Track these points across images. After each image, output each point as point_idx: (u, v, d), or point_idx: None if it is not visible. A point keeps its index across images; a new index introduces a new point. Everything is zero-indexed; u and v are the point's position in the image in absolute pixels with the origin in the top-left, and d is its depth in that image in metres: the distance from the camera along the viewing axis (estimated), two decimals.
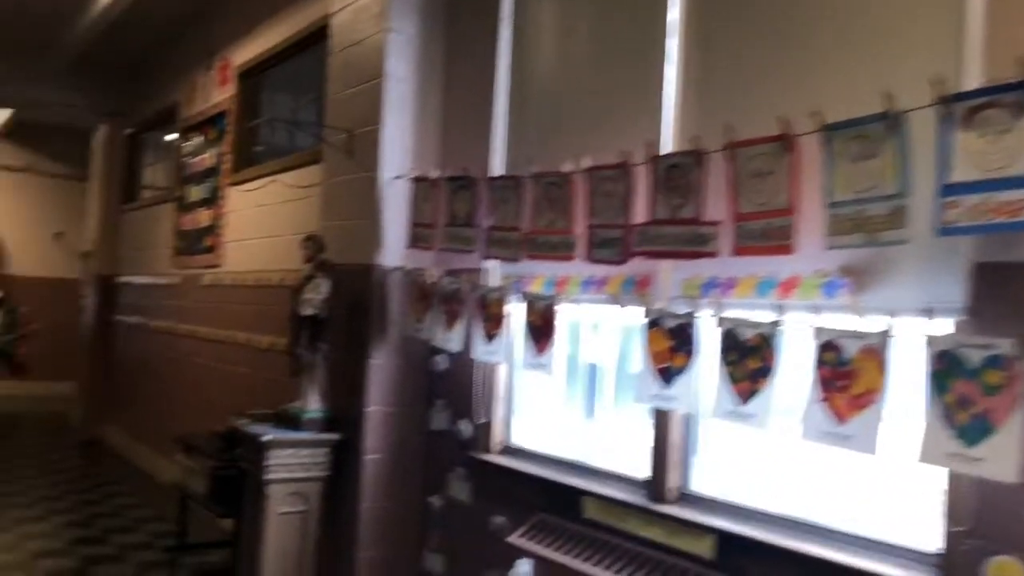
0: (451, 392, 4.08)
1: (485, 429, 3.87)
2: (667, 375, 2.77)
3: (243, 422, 4.78)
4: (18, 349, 12.76)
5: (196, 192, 7.12)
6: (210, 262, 6.69)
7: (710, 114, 2.96)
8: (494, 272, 3.79)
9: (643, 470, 3.13)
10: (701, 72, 3.05)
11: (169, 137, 8.27)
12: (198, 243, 6.97)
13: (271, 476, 4.08)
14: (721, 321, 2.63)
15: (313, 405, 4.26)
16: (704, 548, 2.78)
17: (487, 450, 3.84)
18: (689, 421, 3.04)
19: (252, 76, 6.45)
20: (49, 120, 12.02)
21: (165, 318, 7.65)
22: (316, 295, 4.25)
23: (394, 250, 4.20)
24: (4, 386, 12.54)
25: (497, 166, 3.86)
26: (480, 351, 3.61)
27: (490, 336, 3.56)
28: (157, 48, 8.39)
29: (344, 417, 4.24)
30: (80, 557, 5.28)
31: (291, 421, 4.25)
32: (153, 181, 8.92)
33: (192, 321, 7.01)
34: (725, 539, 2.73)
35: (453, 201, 3.84)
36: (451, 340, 3.78)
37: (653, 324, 2.82)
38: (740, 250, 2.63)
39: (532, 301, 3.34)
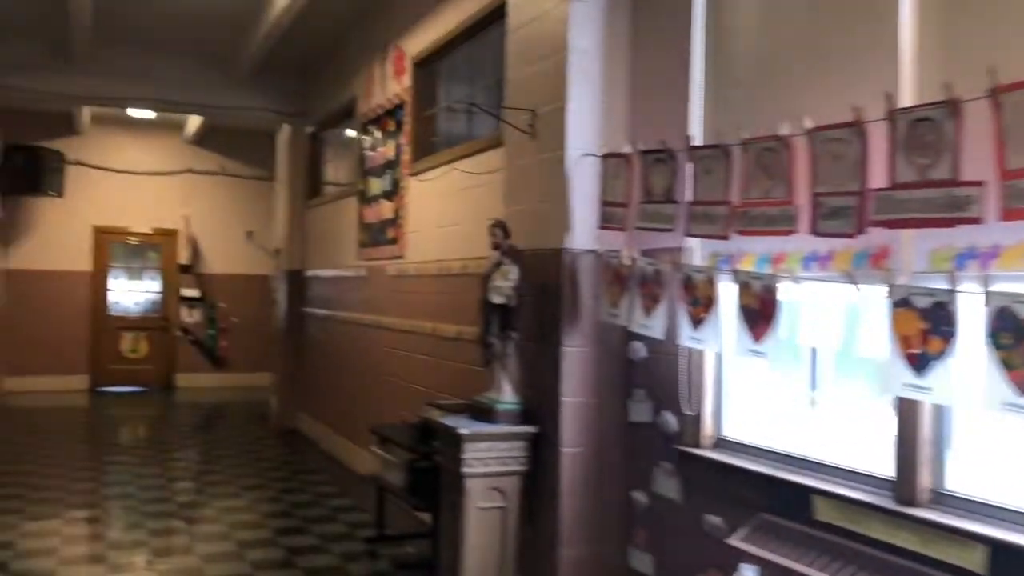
0: (652, 381, 3.82)
1: (693, 421, 3.59)
2: (920, 362, 2.40)
3: (436, 413, 4.72)
4: (219, 343, 13.58)
5: (377, 185, 7.18)
6: (393, 253, 6.72)
7: (958, 56, 2.55)
8: (696, 251, 3.50)
9: (884, 467, 2.77)
10: (944, 8, 2.64)
11: (349, 133, 8.42)
12: (381, 235, 7.03)
13: (469, 470, 3.97)
14: (989, 297, 2.24)
15: (507, 396, 4.11)
16: (973, 560, 2.40)
17: (697, 444, 3.56)
18: (941, 412, 2.65)
19: (427, 65, 6.40)
20: (237, 125, 12.60)
21: (352, 310, 7.79)
22: (505, 282, 4.09)
23: (584, 232, 3.98)
24: (208, 378, 13.37)
25: (697, 135, 3.55)
26: (686, 337, 3.33)
27: (697, 321, 3.28)
28: (333, 46, 8.55)
29: (539, 409, 4.07)
30: (284, 548, 5.41)
31: (485, 413, 4.13)
32: (335, 177, 9.13)
33: (378, 312, 7.09)
34: (1000, 550, 2.35)
35: (648, 176, 3.58)
36: (651, 326, 3.53)
37: (900, 303, 2.46)
38: (1010, 213, 2.23)
39: (747, 282, 3.02)
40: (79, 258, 12.71)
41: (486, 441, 4.01)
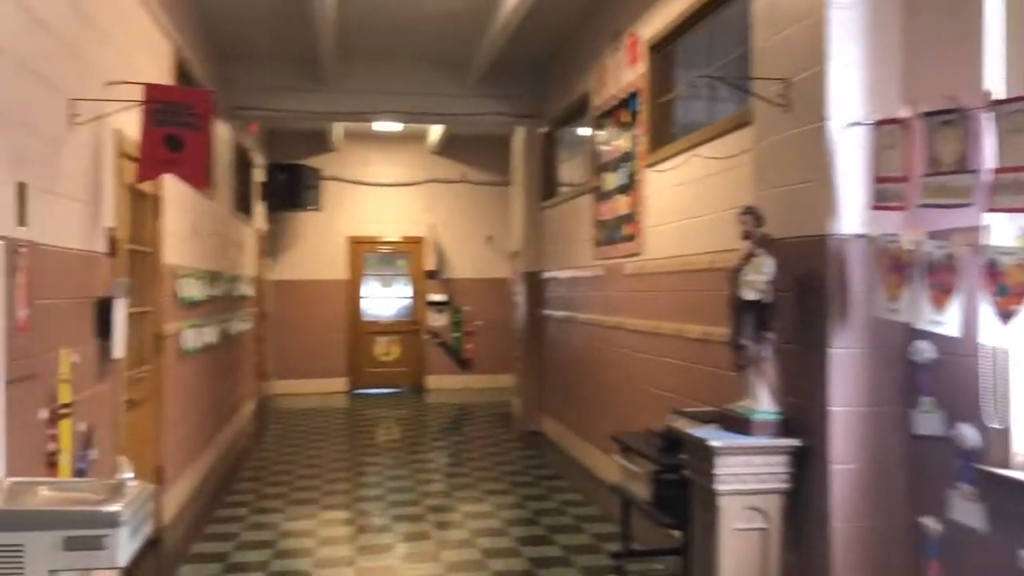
0: (943, 388, 3.22)
1: (1000, 436, 2.96)
2: None
3: (682, 422, 4.33)
4: (464, 345, 13.89)
5: (612, 180, 6.88)
6: (631, 250, 6.39)
7: None
8: (1003, 229, 2.87)
9: None
10: None
11: (581, 131, 8.19)
12: (617, 232, 6.71)
13: (722, 487, 3.56)
14: None
15: (764, 405, 3.65)
16: None
17: (1006, 463, 2.93)
18: None
19: (663, 48, 6.02)
20: (474, 132, 12.84)
21: (590, 310, 7.54)
22: (758, 276, 3.64)
23: (852, 214, 3.44)
24: (455, 380, 13.69)
25: (998, 88, 2.93)
26: (992, 334, 2.73)
27: (1006, 314, 2.67)
28: (563, 41, 8.37)
29: (802, 419, 3.58)
30: (528, 559, 5.22)
31: (738, 423, 3.69)
32: (569, 177, 8.94)
33: (617, 312, 6.78)
34: None
35: (934, 143, 3.00)
36: (944, 321, 2.95)
37: None
38: None
39: None
40: (336, 267, 13.47)
41: (741, 455, 3.58)
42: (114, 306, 4.35)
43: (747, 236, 3.75)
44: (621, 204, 6.61)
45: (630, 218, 6.40)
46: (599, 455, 7.22)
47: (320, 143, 13.00)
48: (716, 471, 3.55)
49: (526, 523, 6.08)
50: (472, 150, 13.52)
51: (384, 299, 13.91)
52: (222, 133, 8.73)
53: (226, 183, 9.04)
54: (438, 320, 13.85)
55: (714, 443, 3.55)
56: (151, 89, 4.38)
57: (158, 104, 4.36)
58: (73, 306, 3.97)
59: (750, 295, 3.65)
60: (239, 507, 6.49)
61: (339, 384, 13.44)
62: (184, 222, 6.65)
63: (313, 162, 12.95)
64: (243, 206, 10.63)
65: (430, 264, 13.66)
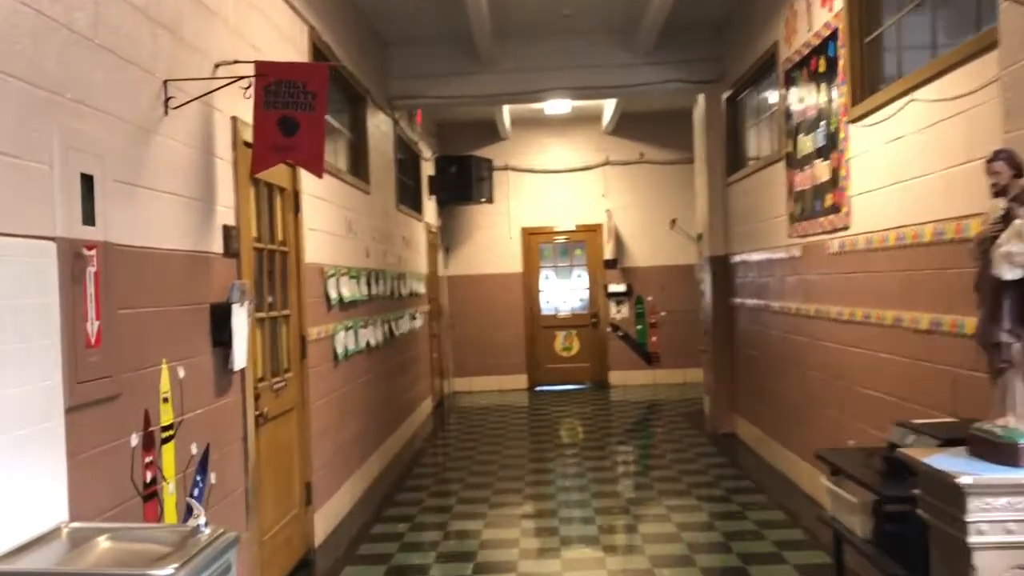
0: None
1: None
2: None
3: (911, 440, 3.35)
4: (649, 339, 13.00)
5: (807, 143, 5.84)
6: (834, 224, 5.34)
7: None
8: None
9: None
10: None
11: (768, 94, 7.15)
12: (817, 204, 5.67)
13: (977, 538, 2.58)
14: None
15: None
16: None
17: None
18: None
19: None
20: (650, 108, 11.94)
21: (786, 297, 6.52)
22: (1021, 246, 2.62)
23: None
24: (640, 375, 12.86)
25: None
26: None
27: None
28: None
29: None
30: None
31: (997, 450, 2.69)
32: (756, 146, 7.89)
33: (819, 299, 5.74)
34: None
35: None
36: None
37: None
38: None
39: None
40: (510, 260, 12.95)
41: (1005, 495, 2.58)
42: (233, 312, 3.89)
43: (1000, 192, 2.74)
44: (820, 170, 5.57)
45: (832, 186, 5.36)
46: (804, 467, 6.21)
47: (490, 133, 12.53)
48: (968, 517, 2.58)
49: (718, 549, 5.20)
50: (650, 127, 12.61)
51: (561, 291, 13.25)
52: (381, 125, 8.34)
53: (388, 177, 8.66)
54: (619, 312, 13.04)
55: (964, 480, 2.58)
56: (261, 66, 3.88)
57: (269, 84, 3.87)
58: (179, 314, 3.52)
59: (1010, 273, 2.64)
60: (399, 522, 6.00)
61: (519, 381, 12.93)
62: (333, 219, 6.23)
63: (484, 153, 12.49)
64: (411, 201, 10.28)
65: (608, 252, 12.87)
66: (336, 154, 6.84)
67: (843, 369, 5.34)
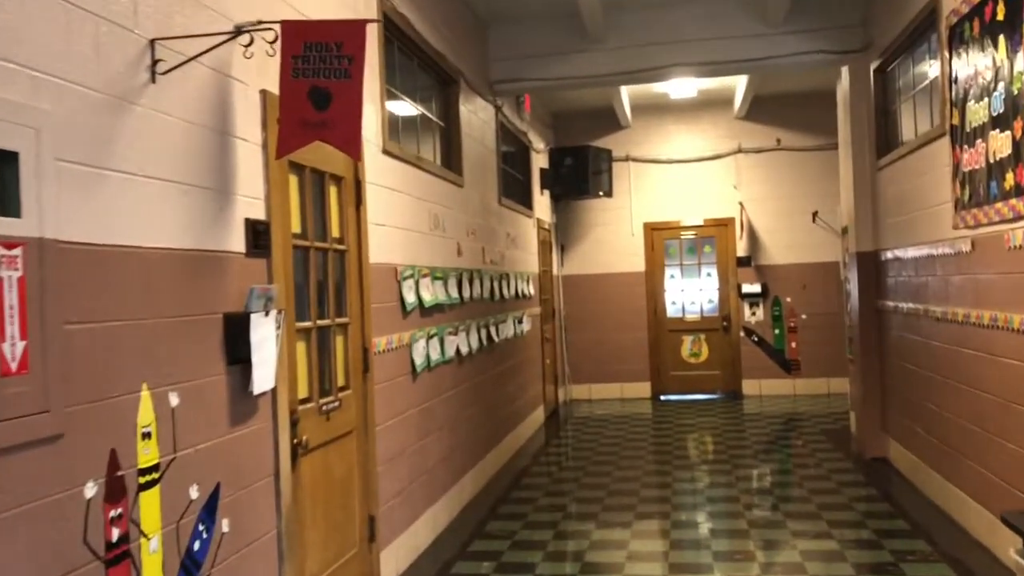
0: None
1: None
2: None
3: None
4: (788, 344, 11.78)
5: (979, 112, 4.70)
6: (1018, 211, 4.22)
7: None
8: None
9: None
10: None
11: (926, 63, 5.99)
12: (992, 185, 4.54)
13: None
14: None
15: None
16: None
17: None
18: None
19: None
20: (788, 88, 10.78)
21: (951, 301, 5.37)
22: None
23: None
24: (777, 385, 11.69)
25: None
26: None
27: None
28: None
29: None
30: None
31: None
32: (913, 123, 6.71)
33: (996, 304, 4.61)
34: None
35: None
36: None
37: None
38: None
39: None
40: (632, 259, 12.00)
41: None
42: (252, 322, 3.22)
43: None
44: (997, 142, 4.44)
45: (1015, 161, 4.24)
46: (973, 507, 5.07)
47: (608, 121, 11.65)
48: None
49: None
50: (786, 110, 11.41)
51: (689, 292, 12.19)
52: (479, 112, 7.62)
53: (489, 169, 7.93)
54: (754, 315, 11.87)
55: None
56: (287, 25, 3.19)
57: (297, 48, 3.18)
58: (173, 327, 2.86)
59: None
60: (484, 559, 5.24)
61: (641, 389, 11.97)
62: (412, 213, 5.54)
63: (602, 143, 11.61)
64: (520, 196, 9.54)
65: (741, 249, 11.73)
66: (419, 142, 6.15)
67: None
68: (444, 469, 6.03)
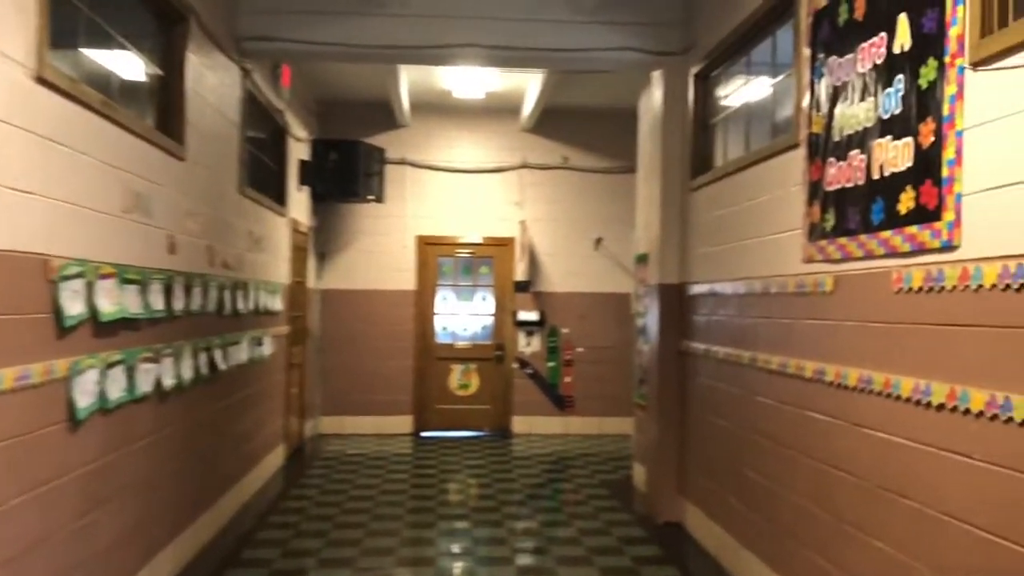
0: None
1: None
2: None
3: None
4: (562, 379, 10.81)
5: (858, 114, 3.72)
6: (917, 241, 3.22)
7: None
8: None
9: None
10: None
11: (765, 66, 5.06)
12: (874, 208, 3.55)
13: None
14: None
15: None
16: None
17: None
18: None
19: None
20: (581, 102, 9.86)
21: (792, 351, 4.39)
22: None
23: None
24: (549, 423, 10.64)
25: None
26: None
27: None
28: None
29: None
30: None
31: None
32: (743, 137, 5.80)
33: (866, 361, 3.62)
34: None
35: None
36: None
37: None
38: None
39: None
40: (402, 275, 10.56)
41: None
42: None
43: None
44: (891, 153, 3.44)
45: (915, 177, 3.24)
46: None
47: (384, 117, 10.20)
48: None
49: None
50: (577, 126, 10.51)
51: (462, 316, 10.94)
52: (217, 71, 5.91)
53: (227, 145, 6.22)
54: (529, 345, 10.80)
55: None
56: None
57: None
58: None
59: None
60: None
61: (403, 423, 10.52)
62: (91, 183, 3.79)
63: (376, 142, 10.12)
64: (270, 188, 7.84)
65: (520, 273, 10.63)
66: (111, 86, 4.40)
67: (909, 479, 3.22)
68: (127, 549, 4.26)
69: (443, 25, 6.47)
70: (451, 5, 6.45)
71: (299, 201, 9.12)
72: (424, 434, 10.46)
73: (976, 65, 2.90)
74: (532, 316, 10.71)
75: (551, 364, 10.76)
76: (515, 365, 10.73)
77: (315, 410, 10.18)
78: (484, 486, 7.87)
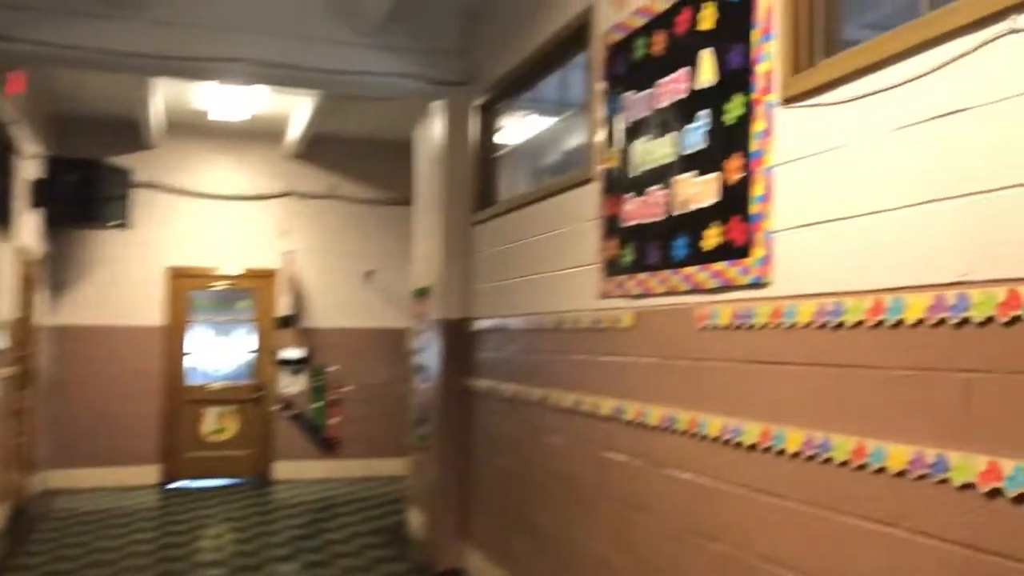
0: None
1: None
2: None
3: None
4: (328, 420, 10.26)
5: (658, 149, 3.68)
6: (727, 278, 3.18)
7: None
8: None
9: None
10: None
11: (550, 99, 5.00)
12: (676, 244, 3.50)
13: None
14: None
15: None
16: None
17: None
18: None
19: None
20: (353, 131, 9.50)
21: (585, 388, 4.27)
22: None
23: None
24: (314, 468, 10.04)
25: None
26: None
27: None
28: None
29: None
30: None
31: None
32: (529, 172, 5.71)
33: (666, 398, 3.55)
34: None
35: None
36: None
37: None
38: None
39: None
40: (149, 309, 9.58)
41: None
42: None
43: None
44: (695, 189, 3.40)
45: (723, 213, 3.21)
46: None
47: (131, 136, 9.27)
48: None
49: None
50: (349, 154, 10.13)
51: (217, 355, 10.10)
52: None
53: None
54: (293, 385, 10.16)
55: None
56: None
57: None
58: None
59: None
60: None
61: (148, 474, 9.49)
62: None
63: (122, 161, 9.16)
64: None
65: (285, 307, 10.02)
66: None
67: (718, 521, 3.15)
68: None
69: (206, 35, 5.89)
70: (217, 14, 5.89)
71: (28, 225, 8.02)
72: (173, 485, 9.49)
73: (787, 102, 2.90)
74: (297, 354, 10.10)
75: (316, 404, 10.19)
76: (277, 407, 10.05)
77: (44, 463, 8.94)
78: (243, 540, 7.19)
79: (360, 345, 10.15)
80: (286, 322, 10.01)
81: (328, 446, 10.19)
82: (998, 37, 2.13)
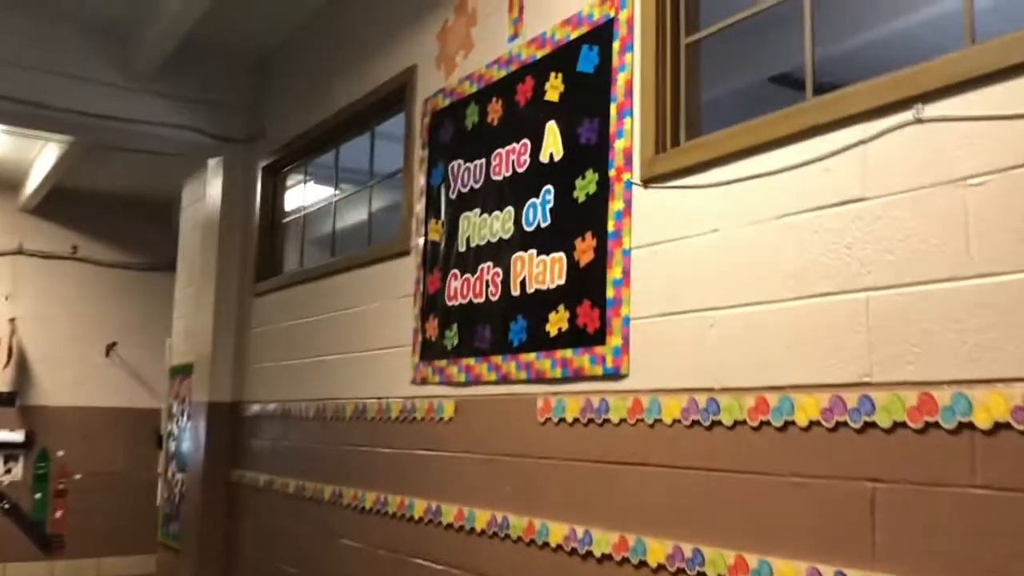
0: None
1: None
2: None
3: None
4: (51, 514, 8.85)
5: (493, 224, 3.38)
6: (575, 368, 2.89)
7: None
8: None
9: None
10: None
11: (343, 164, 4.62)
12: (514, 327, 3.19)
13: None
14: None
15: None
16: None
17: None
18: None
19: None
20: (99, 187, 8.53)
21: (393, 486, 3.81)
22: None
23: None
24: (33, 570, 8.59)
25: None
26: None
27: None
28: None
29: None
30: None
31: None
32: (332, 235, 5.23)
33: (496, 501, 3.18)
34: None
35: None
36: None
37: None
38: None
39: None
40: None
41: None
42: None
43: None
44: (539, 268, 3.11)
45: (573, 297, 2.94)
46: None
47: None
48: None
49: None
50: (96, 211, 9.04)
51: None
52: None
53: None
54: (9, 472, 8.70)
55: None
56: None
57: None
58: None
59: None
60: None
61: None
62: None
63: None
64: None
65: (3, 383, 8.62)
66: None
67: None
68: None
69: None
70: None
71: None
72: None
73: (649, 182, 2.71)
74: (15, 437, 8.69)
75: (37, 496, 8.78)
76: None
77: None
78: None
79: (98, 426, 8.90)
80: (5, 399, 8.61)
81: (49, 544, 8.76)
82: (903, 125, 2.04)
